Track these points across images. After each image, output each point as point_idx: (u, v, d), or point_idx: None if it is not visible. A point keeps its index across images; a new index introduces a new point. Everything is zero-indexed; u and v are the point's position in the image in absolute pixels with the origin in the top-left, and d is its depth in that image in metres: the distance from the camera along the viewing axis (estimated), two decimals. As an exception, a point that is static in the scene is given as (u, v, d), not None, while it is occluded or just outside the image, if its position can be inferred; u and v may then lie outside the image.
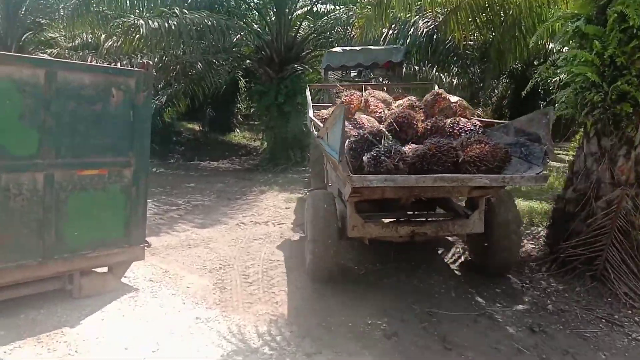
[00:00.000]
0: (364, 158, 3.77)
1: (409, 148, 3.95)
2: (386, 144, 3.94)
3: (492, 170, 3.75)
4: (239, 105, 20.07)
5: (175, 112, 23.78)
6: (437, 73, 10.96)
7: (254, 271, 4.80)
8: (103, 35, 12.57)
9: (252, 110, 16.46)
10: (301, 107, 11.37)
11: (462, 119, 4.49)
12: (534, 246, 5.51)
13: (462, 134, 4.19)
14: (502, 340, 3.55)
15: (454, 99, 4.96)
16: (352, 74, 8.46)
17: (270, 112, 12.14)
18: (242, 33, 11.65)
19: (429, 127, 4.39)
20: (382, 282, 4.59)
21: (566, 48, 5.45)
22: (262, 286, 4.43)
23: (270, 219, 6.73)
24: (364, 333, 3.61)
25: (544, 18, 7.38)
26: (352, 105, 4.95)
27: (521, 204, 7.41)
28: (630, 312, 3.98)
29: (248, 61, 13.14)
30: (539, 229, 6.26)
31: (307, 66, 12.00)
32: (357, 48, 7.43)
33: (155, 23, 8.85)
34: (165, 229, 6.30)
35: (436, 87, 6.02)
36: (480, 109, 23.22)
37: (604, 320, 3.85)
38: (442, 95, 4.86)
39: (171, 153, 15.44)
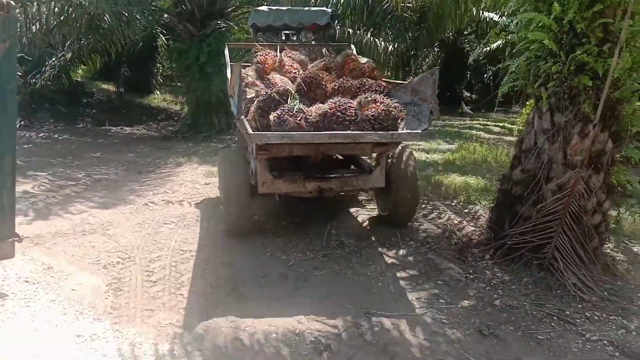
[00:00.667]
0: (270, 117, 3.91)
1: (314, 107, 4.09)
2: (292, 104, 4.05)
3: (385, 128, 3.99)
4: (159, 65, 18.44)
5: (88, 70, 21.81)
6: (371, 37, 10.31)
7: (159, 266, 4.01)
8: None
9: (172, 71, 14.98)
10: (225, 69, 10.35)
11: (368, 79, 4.66)
12: (474, 229, 5.11)
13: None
14: (450, 350, 3.07)
15: (363, 60, 5.11)
16: (284, 37, 7.67)
17: (191, 73, 10.99)
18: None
19: (336, 87, 4.51)
20: (313, 276, 3.98)
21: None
22: (169, 286, 3.67)
23: (185, 198, 5.89)
24: (291, 345, 2.98)
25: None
26: (266, 65, 4.95)
27: (456, 179, 7.08)
28: (580, 306, 3.64)
29: (166, 15, 11.78)
30: (477, 207, 5.91)
31: (232, 23, 10.87)
32: (283, 8, 7.29)
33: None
34: (56, 210, 5.30)
35: (353, 48, 6.08)
36: (411, 77, 23.10)
37: (555, 318, 3.47)
38: (352, 57, 4.99)
39: (80, 116, 13.80)
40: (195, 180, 6.65)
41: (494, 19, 14.63)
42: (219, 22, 10.58)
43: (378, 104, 4.10)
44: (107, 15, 8.96)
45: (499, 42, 19.08)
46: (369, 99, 4.16)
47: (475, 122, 17.15)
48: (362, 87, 4.51)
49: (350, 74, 4.81)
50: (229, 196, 4.48)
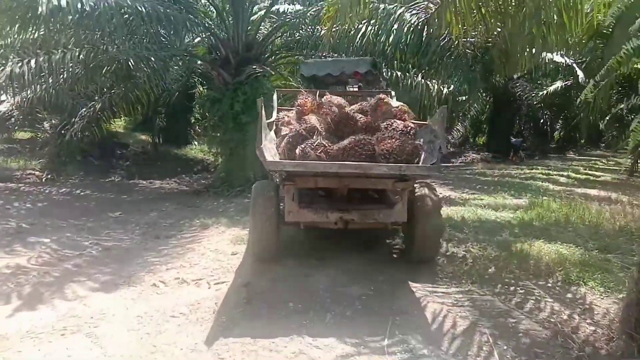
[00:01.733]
0: (297, 150, 4.28)
1: (337, 144, 4.37)
2: (317, 140, 4.32)
3: (400, 162, 4.19)
4: (197, 115, 17.91)
5: (128, 122, 21.69)
6: (422, 80, 9.21)
7: (153, 395, 2.78)
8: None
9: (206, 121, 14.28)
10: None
11: (396, 120, 4.85)
12: (594, 329, 3.67)
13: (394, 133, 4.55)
14: None
15: (395, 103, 5.42)
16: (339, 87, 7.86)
17: (224, 123, 10.09)
18: (189, 25, 9.54)
19: (364, 127, 4.71)
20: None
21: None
22: None
23: (205, 275, 4.70)
24: None
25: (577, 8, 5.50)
26: (305, 107, 5.14)
27: (544, 248, 5.66)
28: None
29: (200, 62, 11.11)
30: (582, 290, 4.47)
31: (268, 68, 10.01)
32: (329, 59, 8.21)
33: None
34: (46, 295, 4.21)
35: (392, 93, 6.34)
36: (459, 124, 21.75)
37: None
38: (384, 100, 5.16)
39: (113, 169, 13.19)
40: (220, 250, 5.49)
41: (553, 59, 13.34)
42: (254, 67, 9.69)
43: (394, 140, 4.37)
44: (132, 62, 8.20)
45: (557, 85, 17.76)
46: (386, 135, 4.46)
47: (534, 171, 15.56)
48: (389, 127, 4.68)
49: (382, 117, 4.98)
50: (256, 223, 4.77)
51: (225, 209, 7.80)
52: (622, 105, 13.23)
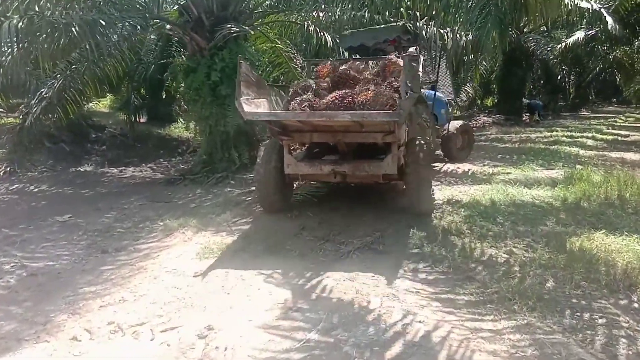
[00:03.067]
0: (289, 106, 4.85)
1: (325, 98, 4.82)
2: (305, 96, 4.80)
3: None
4: (170, 89, 16.21)
5: (113, 100, 20.06)
6: (435, 29, 7.80)
7: None
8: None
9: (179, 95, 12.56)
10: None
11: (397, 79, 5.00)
12: None
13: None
14: None
15: (401, 62, 5.30)
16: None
17: (201, 96, 8.61)
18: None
19: (362, 85, 4.98)
20: None
21: None
22: None
23: (150, 315, 3.32)
24: None
25: None
26: (321, 72, 5.65)
27: (607, 243, 4.30)
28: None
29: (168, 27, 9.52)
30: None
31: (248, 28, 8.37)
32: (362, 30, 8.06)
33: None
34: None
35: (414, 51, 6.45)
36: (468, 84, 20.02)
37: None
38: (392, 60, 5.47)
39: (88, 155, 11.77)
40: (180, 269, 4.10)
41: (577, 4, 11.58)
42: (231, 26, 8.09)
43: (369, 92, 4.63)
44: (77, 28, 6.63)
45: (578, 35, 15.94)
46: (364, 88, 4.77)
47: (555, 133, 14.05)
48: (390, 85, 4.95)
49: (391, 75, 5.25)
50: (259, 171, 5.31)
51: (200, 204, 6.40)
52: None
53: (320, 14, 9.57)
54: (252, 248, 4.53)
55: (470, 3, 6.06)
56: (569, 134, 13.93)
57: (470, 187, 6.66)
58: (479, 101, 23.48)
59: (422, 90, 8.47)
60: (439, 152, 9.17)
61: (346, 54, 8.65)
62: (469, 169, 8.15)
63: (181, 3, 8.75)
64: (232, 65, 8.37)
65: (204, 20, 8.53)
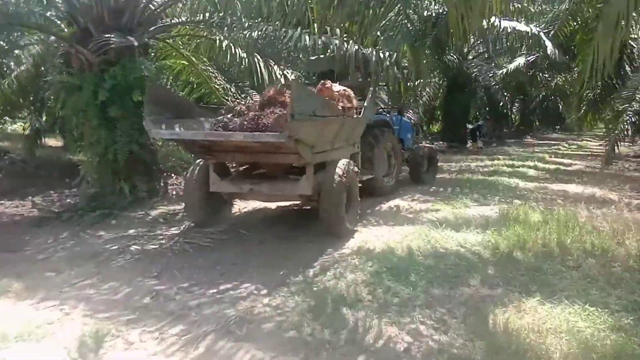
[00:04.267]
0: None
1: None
2: (222, 118, 5.10)
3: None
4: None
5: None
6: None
7: None
8: None
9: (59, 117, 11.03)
10: (142, 109, 6.42)
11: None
12: None
13: None
14: None
15: (337, 88, 6.04)
16: None
17: (88, 119, 7.30)
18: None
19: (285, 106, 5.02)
20: None
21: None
22: None
23: None
24: None
25: None
26: (268, 95, 5.44)
27: (544, 314, 3.27)
28: None
29: (53, 38, 8.19)
30: None
31: (133, 39, 7.08)
32: (313, 58, 8.20)
33: None
34: None
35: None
36: (410, 111, 19.36)
37: None
38: (326, 85, 5.92)
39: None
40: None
41: (516, 27, 11.05)
42: (127, 38, 6.87)
43: (274, 115, 4.77)
44: None
45: (519, 61, 15.53)
46: (270, 111, 4.89)
47: (497, 162, 13.48)
48: None
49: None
50: (187, 186, 5.67)
51: (51, 255, 5.02)
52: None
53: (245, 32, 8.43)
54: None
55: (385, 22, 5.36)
56: (511, 162, 13.36)
57: (390, 229, 5.64)
58: (424, 127, 23.00)
59: (388, 114, 8.82)
60: (405, 174, 9.18)
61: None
62: (395, 205, 7.16)
63: (62, 9, 7.45)
64: (124, 84, 7.15)
65: (92, 32, 7.27)
